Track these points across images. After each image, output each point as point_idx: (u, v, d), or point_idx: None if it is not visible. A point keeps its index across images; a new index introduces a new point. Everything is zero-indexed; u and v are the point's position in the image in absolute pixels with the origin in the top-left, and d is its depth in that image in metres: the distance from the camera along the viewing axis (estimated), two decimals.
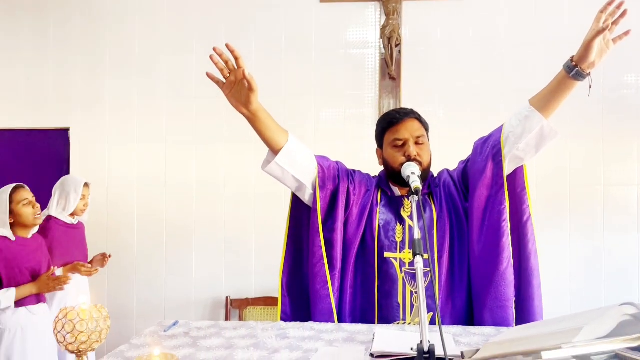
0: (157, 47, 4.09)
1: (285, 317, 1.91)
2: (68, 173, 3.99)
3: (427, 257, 1.36)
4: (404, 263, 1.84)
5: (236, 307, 3.82)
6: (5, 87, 4.17)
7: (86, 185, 3.47)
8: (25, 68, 4.16)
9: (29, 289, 2.81)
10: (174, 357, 1.27)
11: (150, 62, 4.10)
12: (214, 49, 1.67)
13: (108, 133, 4.11)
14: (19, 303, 2.79)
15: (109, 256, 3.47)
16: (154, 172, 4.07)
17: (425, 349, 1.42)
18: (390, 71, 3.80)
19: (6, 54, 4.18)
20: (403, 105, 3.77)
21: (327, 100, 3.94)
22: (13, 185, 2.94)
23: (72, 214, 3.42)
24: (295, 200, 1.98)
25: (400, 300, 1.82)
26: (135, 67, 4.11)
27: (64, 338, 1.22)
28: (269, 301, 3.76)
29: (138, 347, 1.66)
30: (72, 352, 1.24)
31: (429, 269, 1.76)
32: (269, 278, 3.94)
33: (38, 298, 2.90)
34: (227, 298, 3.86)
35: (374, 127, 2.02)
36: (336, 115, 3.96)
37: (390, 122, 1.90)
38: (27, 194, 2.94)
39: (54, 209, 3.37)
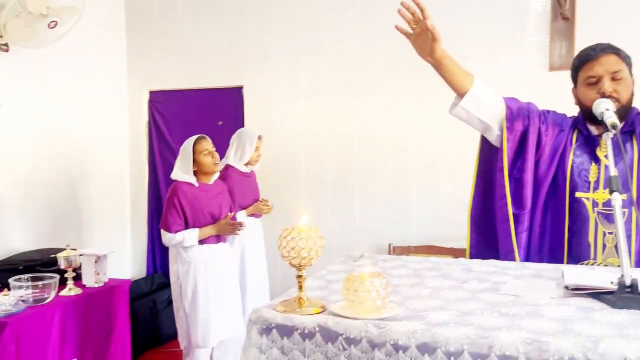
0: (319, 3, 4.24)
1: (473, 254, 1.98)
2: (243, 127, 4.36)
3: (624, 198, 1.32)
4: (597, 203, 1.80)
5: (398, 254, 3.95)
6: (189, 52, 4.62)
7: (259, 137, 3.76)
8: (205, 32, 4.56)
9: (209, 230, 3.15)
10: (380, 275, 1.39)
11: (314, 19, 4.28)
12: (402, 3, 1.77)
13: (277, 89, 4.39)
14: (202, 241, 3.15)
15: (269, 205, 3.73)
16: (318, 125, 4.29)
17: (628, 282, 1.40)
18: (563, 11, 3.56)
19: (190, 23, 4.61)
20: (577, 49, 3.52)
21: (488, 49, 3.80)
22: (196, 136, 3.28)
23: (247, 163, 3.75)
24: (484, 141, 2.02)
25: (591, 239, 1.80)
26: (300, 25, 4.31)
27: (288, 253, 1.40)
28: (431, 250, 3.83)
29: (335, 272, 1.83)
30: (294, 266, 1.42)
31: (626, 210, 1.70)
32: (430, 227, 4.01)
33: (218, 238, 3.25)
34: (389, 245, 4.01)
35: (542, 75, 1.99)
36: (499, 64, 3.80)
37: (584, 60, 1.84)
38: (207, 144, 3.25)
39: (232, 158, 3.72)
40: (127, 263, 4.80)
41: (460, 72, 1.86)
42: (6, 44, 3.55)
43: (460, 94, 1.88)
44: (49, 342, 3.02)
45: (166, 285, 4.68)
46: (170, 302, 4.49)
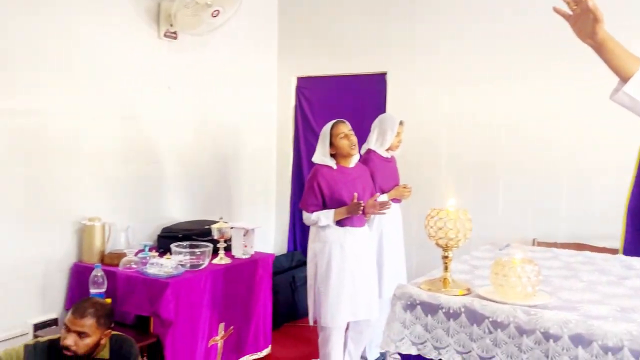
0: None
1: (628, 251, 1.83)
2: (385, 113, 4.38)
3: None
4: None
5: None
6: (336, 39, 4.74)
7: (401, 123, 3.75)
8: (352, 19, 4.65)
9: (343, 212, 3.20)
10: (531, 262, 1.35)
11: (462, 1, 4.16)
12: None
13: (421, 75, 4.35)
14: (341, 223, 3.22)
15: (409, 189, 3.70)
16: (463, 112, 4.19)
17: None
18: None
19: (338, 8, 4.74)
20: None
21: None
22: (334, 120, 3.35)
23: (388, 149, 3.76)
24: None
25: None
26: (446, 9, 4.23)
27: (435, 233, 1.41)
28: (580, 248, 3.57)
29: (479, 259, 1.80)
30: (440, 246, 1.42)
31: None
32: (579, 224, 3.75)
33: (358, 221, 3.27)
34: (533, 240, 3.81)
35: None
36: None
37: None
38: (344, 127, 3.29)
39: (373, 144, 3.75)
40: (270, 239, 5.10)
41: (625, 55, 1.71)
42: (175, 32, 3.93)
43: (624, 79, 1.72)
44: (201, 304, 3.32)
45: (304, 263, 4.89)
46: None
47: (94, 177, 3.51)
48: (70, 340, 2.21)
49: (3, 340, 2.96)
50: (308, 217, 3.20)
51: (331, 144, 3.25)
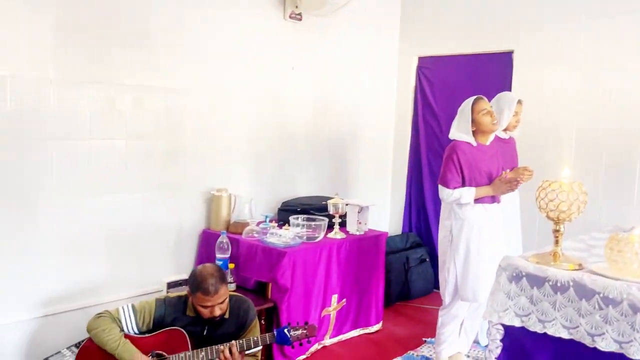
0: None
1: None
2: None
3: None
4: None
5: None
6: (459, 16, 4.62)
7: (519, 102, 3.56)
8: None
9: (485, 190, 3.12)
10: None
11: None
12: None
13: (550, 54, 4.10)
14: (477, 201, 3.15)
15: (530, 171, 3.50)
16: (596, 94, 3.89)
17: None
18: None
19: None
20: None
21: None
22: (474, 97, 3.25)
23: (505, 129, 3.59)
24: None
25: None
26: None
27: (546, 205, 1.36)
28: None
29: (598, 239, 1.71)
30: (551, 219, 1.38)
31: None
32: None
33: (492, 198, 3.20)
34: None
35: None
36: None
37: None
38: (485, 104, 3.19)
39: None
40: (385, 219, 5.14)
41: None
42: (300, 14, 4.07)
43: None
44: (316, 274, 3.46)
45: (419, 244, 4.88)
46: (422, 261, 4.69)
47: (224, 152, 3.78)
48: (217, 312, 2.42)
49: (141, 295, 3.31)
50: (449, 193, 3.13)
51: (472, 120, 3.17)
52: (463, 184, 3.12)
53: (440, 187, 3.17)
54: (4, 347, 2.86)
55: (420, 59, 4.96)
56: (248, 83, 3.87)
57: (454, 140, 3.20)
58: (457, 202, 3.14)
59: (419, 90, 4.98)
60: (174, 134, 3.50)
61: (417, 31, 4.93)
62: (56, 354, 2.91)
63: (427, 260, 4.76)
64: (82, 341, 2.53)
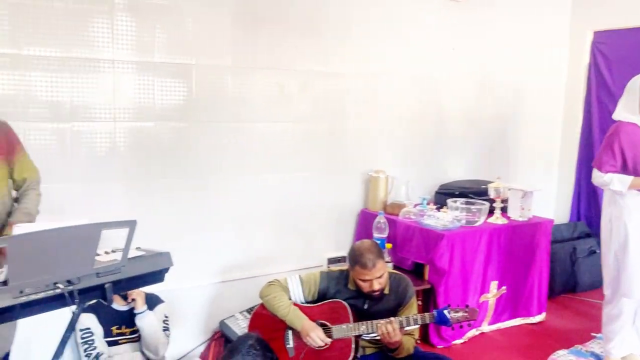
0: None
1: None
2: None
3: None
4: None
5: None
6: None
7: None
8: None
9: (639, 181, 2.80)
10: None
11: None
12: None
13: None
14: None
15: None
16: None
17: None
18: None
19: None
20: None
21: None
22: None
23: None
24: None
25: None
26: None
27: None
28: None
29: None
30: None
31: None
32: None
33: None
34: None
35: None
36: None
37: None
38: None
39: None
40: (550, 205, 4.82)
41: None
42: None
43: None
44: (475, 259, 3.39)
45: (588, 235, 4.52)
46: (591, 252, 4.35)
47: (382, 134, 3.84)
48: (376, 286, 2.49)
49: (304, 268, 3.51)
50: (599, 176, 2.88)
51: None
52: (625, 169, 2.82)
53: (594, 169, 2.91)
54: (190, 307, 3.23)
55: (596, 33, 4.55)
56: (408, 65, 3.87)
57: (618, 120, 2.90)
58: (606, 187, 2.86)
59: (593, 67, 4.57)
60: (336, 117, 3.63)
61: (591, 3, 4.52)
62: (230, 317, 3.22)
63: (598, 252, 4.39)
64: (254, 307, 2.76)
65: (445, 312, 2.46)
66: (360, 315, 2.52)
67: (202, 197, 3.21)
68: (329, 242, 3.72)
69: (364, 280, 2.49)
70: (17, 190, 2.24)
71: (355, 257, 2.50)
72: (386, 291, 2.57)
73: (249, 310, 3.17)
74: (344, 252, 3.71)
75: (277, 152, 3.43)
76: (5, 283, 1.57)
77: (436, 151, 4.12)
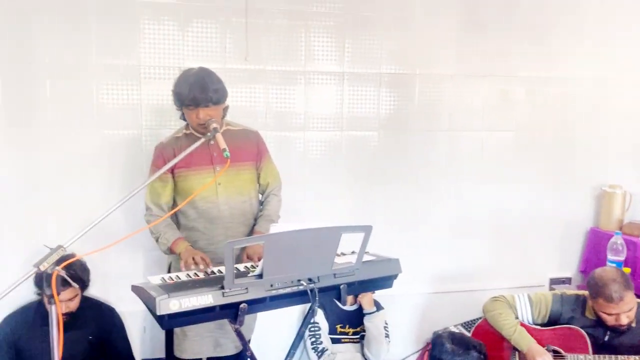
0: None
1: None
2: None
3: None
4: None
5: None
6: None
7: None
8: None
9: None
10: None
11: None
12: None
13: None
14: None
15: None
16: None
17: None
18: None
19: None
20: None
21: None
22: None
23: None
24: None
25: None
26: None
27: None
28: None
29: None
30: None
31: None
32: None
33: None
34: None
35: None
36: None
37: None
38: None
39: None
40: None
41: None
42: None
43: None
44: None
45: None
46: None
47: (616, 145, 3.43)
48: (624, 320, 2.21)
49: (522, 287, 3.28)
50: None
51: None
52: None
53: None
54: (401, 315, 3.21)
55: None
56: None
57: None
58: None
59: None
60: (562, 125, 3.35)
61: None
62: (444, 329, 3.14)
63: None
64: (472, 320, 2.66)
65: None
66: (600, 347, 2.26)
67: (418, 205, 3.20)
68: (551, 261, 3.43)
69: (608, 314, 2.22)
70: (261, 194, 2.47)
71: (598, 288, 2.23)
72: (633, 324, 2.27)
73: (465, 325, 3.06)
74: (569, 272, 3.41)
75: (497, 161, 3.28)
76: (260, 276, 1.73)
77: None
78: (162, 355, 2.83)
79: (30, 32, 2.55)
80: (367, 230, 1.79)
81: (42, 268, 1.53)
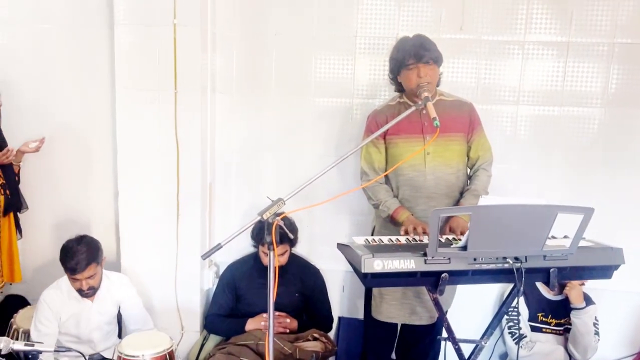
0: None
1: None
2: None
3: None
4: None
5: None
6: None
7: None
8: None
9: None
10: None
11: None
12: None
13: None
14: None
15: None
16: None
17: None
18: None
19: None
20: None
21: None
22: None
23: None
24: None
25: None
26: None
27: None
28: None
29: None
30: None
31: None
32: None
33: None
34: None
35: None
36: None
37: None
38: None
39: None
40: None
41: None
42: None
43: None
44: None
45: None
46: None
47: None
48: None
49: None
50: None
51: None
52: None
53: None
54: (614, 314, 2.87)
55: None
56: None
57: None
58: None
59: None
60: None
61: None
62: None
63: None
64: None
65: None
66: None
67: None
68: None
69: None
70: (470, 168, 2.40)
71: None
72: None
73: None
74: None
75: None
76: (464, 249, 1.69)
77: None
78: (357, 315, 2.98)
79: (263, 7, 2.80)
80: (587, 212, 1.64)
81: (264, 217, 1.70)
